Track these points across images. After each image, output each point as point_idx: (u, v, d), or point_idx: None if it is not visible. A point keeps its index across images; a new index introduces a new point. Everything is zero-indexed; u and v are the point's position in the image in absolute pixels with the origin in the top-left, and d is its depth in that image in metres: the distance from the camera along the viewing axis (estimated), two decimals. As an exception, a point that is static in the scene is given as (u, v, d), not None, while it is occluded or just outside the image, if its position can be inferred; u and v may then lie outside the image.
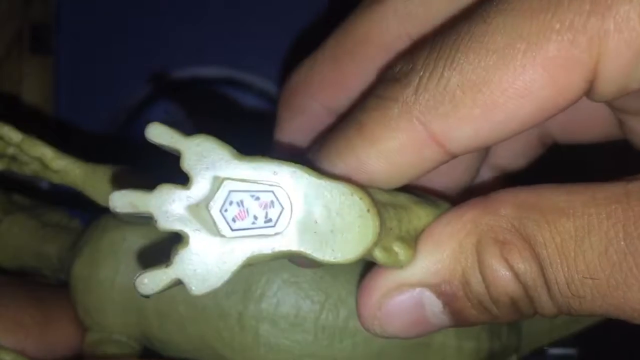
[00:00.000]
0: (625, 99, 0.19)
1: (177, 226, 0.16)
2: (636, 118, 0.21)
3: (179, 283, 0.16)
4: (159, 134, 0.16)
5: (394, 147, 0.17)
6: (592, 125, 0.23)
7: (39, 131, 0.26)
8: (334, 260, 0.16)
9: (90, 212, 0.27)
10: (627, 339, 0.25)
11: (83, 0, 0.37)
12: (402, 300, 0.19)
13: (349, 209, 0.16)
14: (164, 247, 0.17)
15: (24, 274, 0.31)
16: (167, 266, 0.16)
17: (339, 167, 0.18)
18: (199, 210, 0.16)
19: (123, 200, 0.16)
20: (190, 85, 0.38)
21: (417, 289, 0.18)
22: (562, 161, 0.26)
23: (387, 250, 0.18)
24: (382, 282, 0.19)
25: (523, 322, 0.27)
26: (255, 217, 0.16)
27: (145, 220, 0.16)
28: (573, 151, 0.25)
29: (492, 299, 0.18)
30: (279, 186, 0.16)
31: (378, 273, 0.19)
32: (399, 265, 0.18)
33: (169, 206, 0.16)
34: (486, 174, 0.25)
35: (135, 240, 0.26)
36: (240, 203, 0.16)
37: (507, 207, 0.18)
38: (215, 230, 0.16)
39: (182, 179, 0.16)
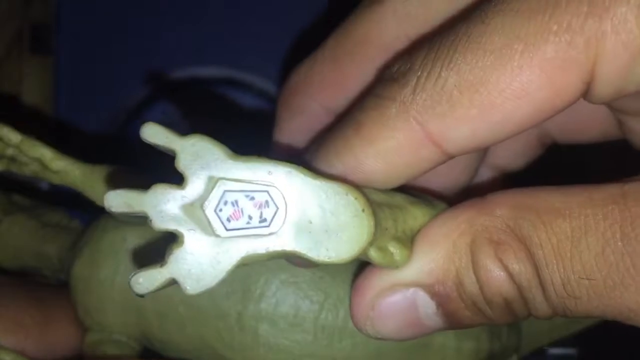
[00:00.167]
0: (625, 99, 0.19)
1: (171, 226, 0.16)
2: (636, 118, 0.21)
3: (173, 282, 0.16)
4: (153, 133, 0.16)
5: (391, 146, 0.17)
6: (591, 125, 0.23)
7: (39, 131, 0.26)
8: (328, 260, 0.16)
9: (90, 213, 0.27)
10: (627, 339, 0.25)
11: (83, 0, 0.37)
12: (396, 301, 0.19)
13: (343, 208, 0.16)
14: (160, 246, 0.17)
15: (24, 274, 0.31)
16: (161, 266, 0.16)
17: (337, 167, 0.18)
18: (194, 210, 0.16)
19: (118, 200, 0.16)
20: (189, 85, 0.38)
21: (411, 290, 0.18)
22: (561, 161, 0.26)
23: (383, 250, 0.18)
24: (375, 282, 0.19)
25: (523, 322, 0.27)
26: (250, 217, 0.16)
27: (142, 220, 0.16)
28: (572, 151, 0.25)
29: (486, 300, 0.18)
30: (274, 186, 0.16)
31: (371, 273, 0.19)
32: (394, 266, 0.18)
33: (164, 206, 0.16)
34: (485, 174, 0.25)
35: (135, 240, 0.26)
36: (235, 203, 0.16)
37: (502, 208, 0.18)
38: (209, 230, 0.16)
39: (178, 179, 0.16)
